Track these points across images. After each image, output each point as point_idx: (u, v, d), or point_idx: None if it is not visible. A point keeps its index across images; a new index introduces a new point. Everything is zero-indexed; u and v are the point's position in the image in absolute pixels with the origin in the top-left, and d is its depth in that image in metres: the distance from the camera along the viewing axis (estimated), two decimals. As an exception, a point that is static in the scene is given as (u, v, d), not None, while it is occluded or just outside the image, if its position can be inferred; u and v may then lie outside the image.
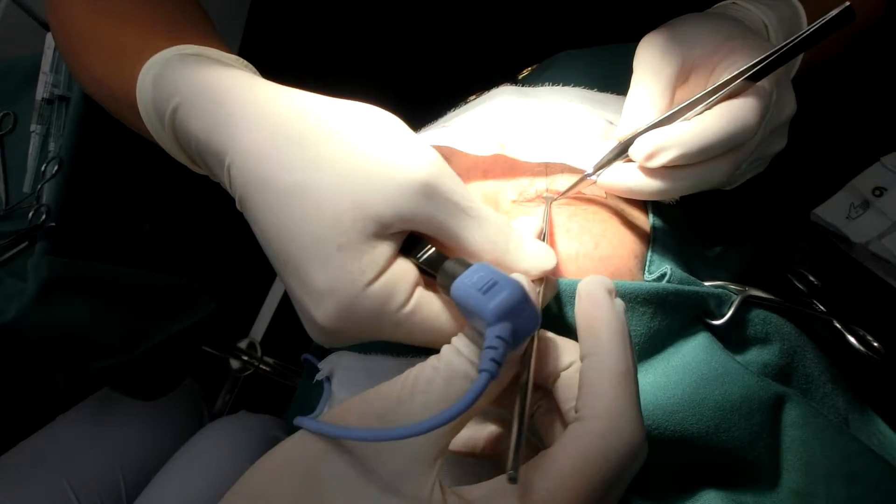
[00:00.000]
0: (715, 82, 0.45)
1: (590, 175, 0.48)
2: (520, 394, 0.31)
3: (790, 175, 0.85)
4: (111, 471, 0.89)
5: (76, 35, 0.57)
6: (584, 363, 0.33)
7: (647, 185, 0.46)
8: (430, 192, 0.36)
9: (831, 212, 0.80)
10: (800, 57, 0.54)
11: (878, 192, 0.78)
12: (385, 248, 0.36)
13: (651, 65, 0.48)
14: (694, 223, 0.58)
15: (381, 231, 0.36)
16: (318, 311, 0.36)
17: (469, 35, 0.53)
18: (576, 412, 0.31)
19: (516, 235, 0.39)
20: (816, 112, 0.84)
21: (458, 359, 0.32)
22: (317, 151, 0.37)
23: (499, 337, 0.30)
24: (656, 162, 0.44)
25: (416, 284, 0.37)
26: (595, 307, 0.35)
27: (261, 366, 1.23)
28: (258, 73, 0.50)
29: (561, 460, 0.29)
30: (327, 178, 0.36)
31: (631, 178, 0.46)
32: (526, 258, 0.39)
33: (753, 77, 0.44)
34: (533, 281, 0.38)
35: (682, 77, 0.48)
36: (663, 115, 0.46)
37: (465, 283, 0.33)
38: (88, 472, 0.87)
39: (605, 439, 0.29)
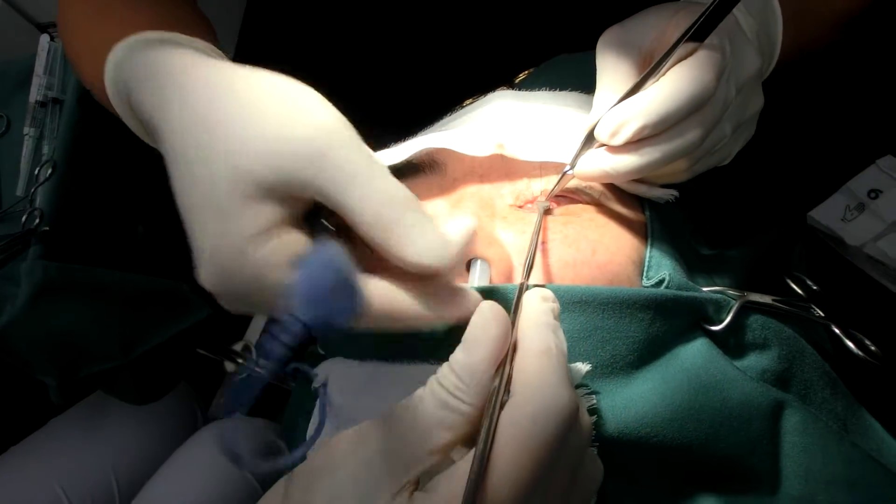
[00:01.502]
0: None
1: (568, 170, 0.48)
2: (486, 418, 0.32)
3: (786, 177, 0.85)
4: (104, 475, 0.88)
5: (74, 38, 0.59)
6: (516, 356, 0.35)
7: (621, 163, 0.46)
8: (313, 155, 0.35)
9: (826, 214, 0.80)
10: (779, 23, 0.54)
11: (873, 195, 0.78)
12: (266, 212, 0.35)
13: (610, 60, 0.49)
14: (692, 227, 0.58)
15: (263, 194, 0.35)
16: (202, 272, 0.36)
17: (465, 38, 0.53)
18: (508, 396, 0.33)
19: (413, 217, 0.35)
20: (812, 114, 0.85)
21: (439, 388, 0.33)
22: (216, 122, 0.36)
23: (292, 319, 0.30)
24: (621, 137, 0.44)
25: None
26: (524, 307, 0.37)
27: (256, 368, 1.23)
28: (223, 56, 0.50)
29: (498, 436, 0.31)
30: (218, 146, 0.36)
31: (604, 161, 0.46)
32: (412, 244, 0.35)
33: (699, 37, 0.44)
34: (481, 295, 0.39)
35: (643, 65, 0.48)
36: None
37: (303, 263, 0.32)
38: (81, 477, 0.86)
39: (529, 405, 0.31)
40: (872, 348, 0.50)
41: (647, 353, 0.44)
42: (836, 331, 0.51)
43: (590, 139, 0.48)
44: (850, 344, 0.50)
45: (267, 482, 0.87)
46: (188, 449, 0.90)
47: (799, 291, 0.55)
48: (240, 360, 1.22)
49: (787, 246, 0.62)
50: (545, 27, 0.80)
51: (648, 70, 0.45)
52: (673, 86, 0.44)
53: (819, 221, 0.80)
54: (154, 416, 0.97)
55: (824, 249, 0.81)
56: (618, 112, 0.44)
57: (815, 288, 0.55)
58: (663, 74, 0.45)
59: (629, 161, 0.45)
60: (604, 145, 0.47)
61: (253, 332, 1.29)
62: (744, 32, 0.51)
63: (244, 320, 1.32)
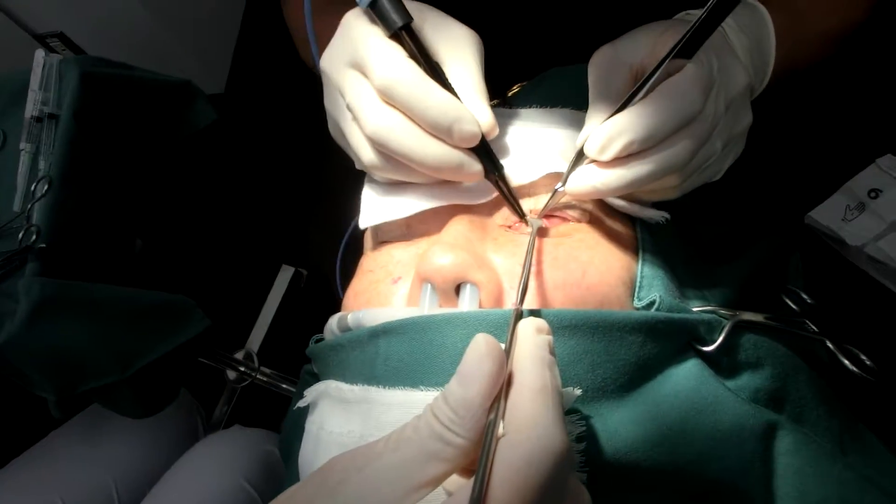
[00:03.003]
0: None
1: (559, 187, 0.48)
2: (484, 445, 0.31)
3: (784, 179, 0.85)
4: (105, 486, 0.89)
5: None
6: (511, 389, 0.34)
7: (611, 178, 0.45)
8: None
9: (827, 214, 0.80)
10: (772, 41, 0.54)
11: (873, 194, 0.78)
12: None
13: (600, 79, 0.49)
14: (685, 243, 0.57)
15: None
16: None
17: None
18: (502, 430, 0.33)
19: None
20: (811, 115, 0.84)
21: (434, 420, 0.33)
22: None
23: None
24: (610, 152, 0.44)
25: None
26: (518, 340, 0.37)
27: (258, 376, 1.23)
28: None
29: (493, 476, 0.30)
30: None
31: (594, 177, 0.46)
32: None
33: (687, 54, 0.44)
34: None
35: (634, 83, 0.48)
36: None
37: None
38: (82, 488, 0.87)
39: (524, 446, 0.31)
40: (868, 363, 0.50)
41: (638, 376, 0.43)
42: (831, 347, 0.51)
43: (580, 157, 0.48)
44: (845, 361, 0.50)
45: (266, 493, 0.88)
46: (189, 460, 0.91)
47: (793, 307, 0.55)
48: (241, 369, 1.23)
49: (783, 257, 0.62)
50: (539, 39, 0.80)
51: (637, 86, 0.45)
52: (660, 101, 0.44)
53: (819, 222, 0.80)
54: (155, 427, 0.97)
55: (824, 250, 0.81)
56: (606, 128, 0.44)
57: (810, 302, 0.55)
58: (652, 90, 0.45)
59: (618, 176, 0.45)
60: (593, 161, 0.46)
61: (254, 341, 1.30)
62: (733, 49, 0.51)
63: (245, 329, 1.33)
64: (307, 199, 1.42)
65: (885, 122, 0.82)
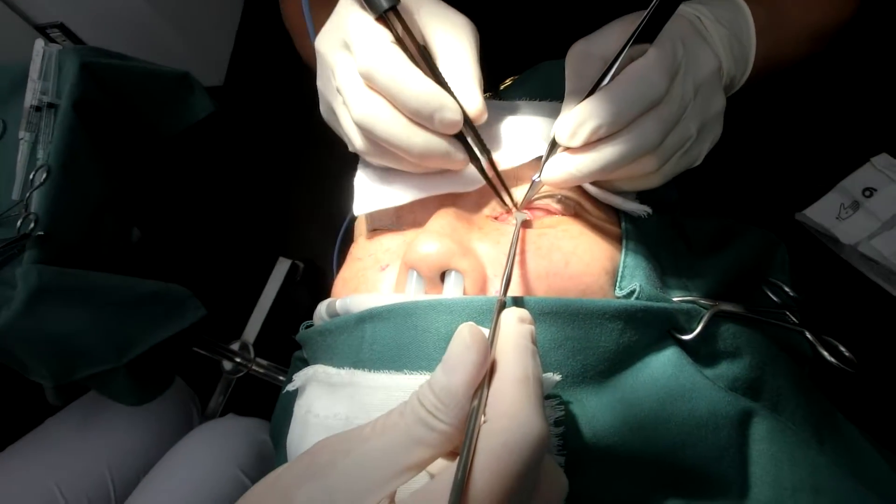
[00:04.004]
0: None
1: (536, 178, 0.49)
2: (467, 434, 0.32)
3: (779, 176, 0.85)
4: (100, 473, 0.90)
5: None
6: (493, 377, 0.35)
7: (583, 163, 0.46)
8: None
9: (821, 213, 0.81)
10: (751, 32, 0.55)
11: (867, 193, 0.78)
12: None
13: (574, 74, 0.50)
14: (671, 235, 0.58)
15: None
16: None
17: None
18: (484, 417, 0.33)
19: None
20: (806, 113, 0.85)
21: (419, 407, 0.34)
22: None
23: None
24: (579, 138, 0.45)
25: None
26: (502, 328, 0.37)
27: (253, 367, 1.24)
28: None
29: (474, 463, 0.31)
30: None
31: (567, 163, 0.47)
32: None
33: (648, 39, 0.45)
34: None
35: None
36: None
37: None
38: (77, 475, 0.88)
39: (506, 434, 0.31)
40: (847, 354, 0.50)
41: (617, 363, 0.44)
42: (810, 338, 0.51)
43: (554, 146, 0.49)
44: (824, 352, 0.50)
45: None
46: (183, 447, 0.91)
47: (774, 299, 0.55)
48: (237, 360, 1.23)
49: (769, 250, 0.62)
50: (533, 34, 0.80)
51: (602, 73, 0.46)
52: (624, 85, 0.45)
53: (813, 220, 0.80)
54: (150, 415, 0.98)
55: (817, 248, 0.81)
56: (573, 114, 0.45)
57: (792, 294, 0.55)
58: (617, 75, 0.46)
59: (591, 160, 0.46)
60: (567, 149, 0.48)
61: (250, 332, 1.31)
62: (703, 36, 0.51)
63: (242, 320, 1.34)
64: (305, 191, 1.42)
65: (880, 121, 0.82)
